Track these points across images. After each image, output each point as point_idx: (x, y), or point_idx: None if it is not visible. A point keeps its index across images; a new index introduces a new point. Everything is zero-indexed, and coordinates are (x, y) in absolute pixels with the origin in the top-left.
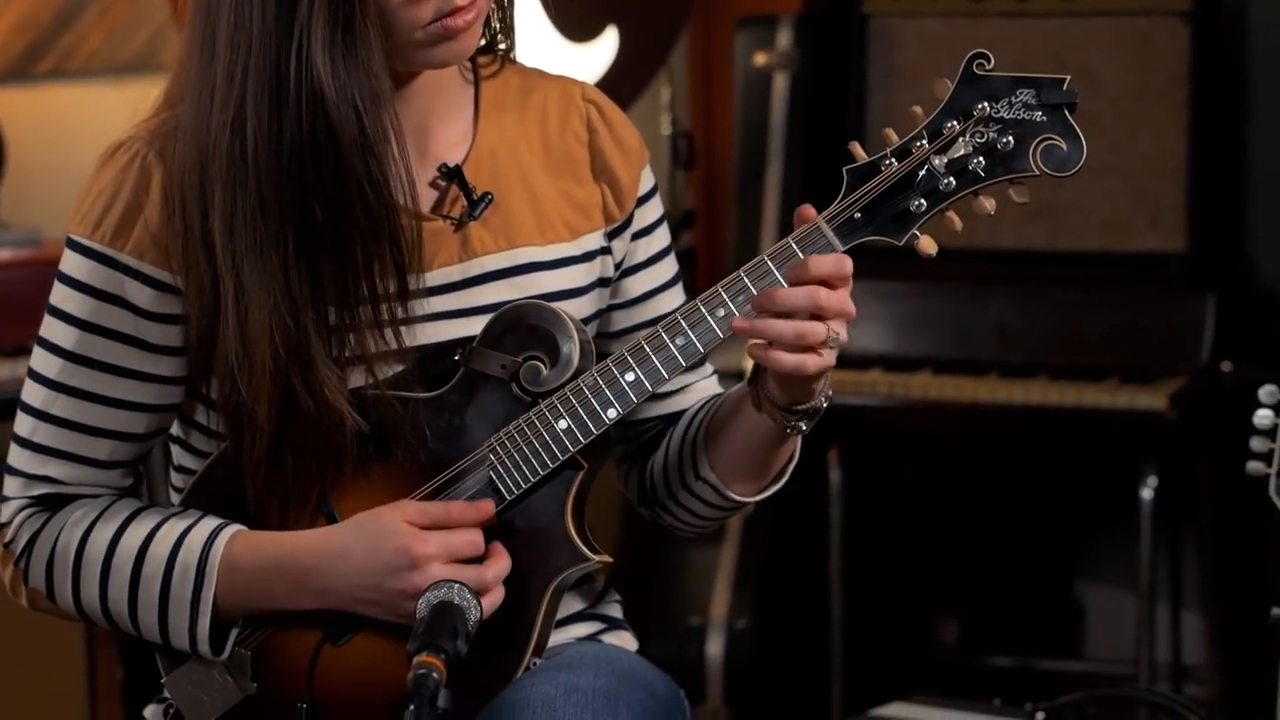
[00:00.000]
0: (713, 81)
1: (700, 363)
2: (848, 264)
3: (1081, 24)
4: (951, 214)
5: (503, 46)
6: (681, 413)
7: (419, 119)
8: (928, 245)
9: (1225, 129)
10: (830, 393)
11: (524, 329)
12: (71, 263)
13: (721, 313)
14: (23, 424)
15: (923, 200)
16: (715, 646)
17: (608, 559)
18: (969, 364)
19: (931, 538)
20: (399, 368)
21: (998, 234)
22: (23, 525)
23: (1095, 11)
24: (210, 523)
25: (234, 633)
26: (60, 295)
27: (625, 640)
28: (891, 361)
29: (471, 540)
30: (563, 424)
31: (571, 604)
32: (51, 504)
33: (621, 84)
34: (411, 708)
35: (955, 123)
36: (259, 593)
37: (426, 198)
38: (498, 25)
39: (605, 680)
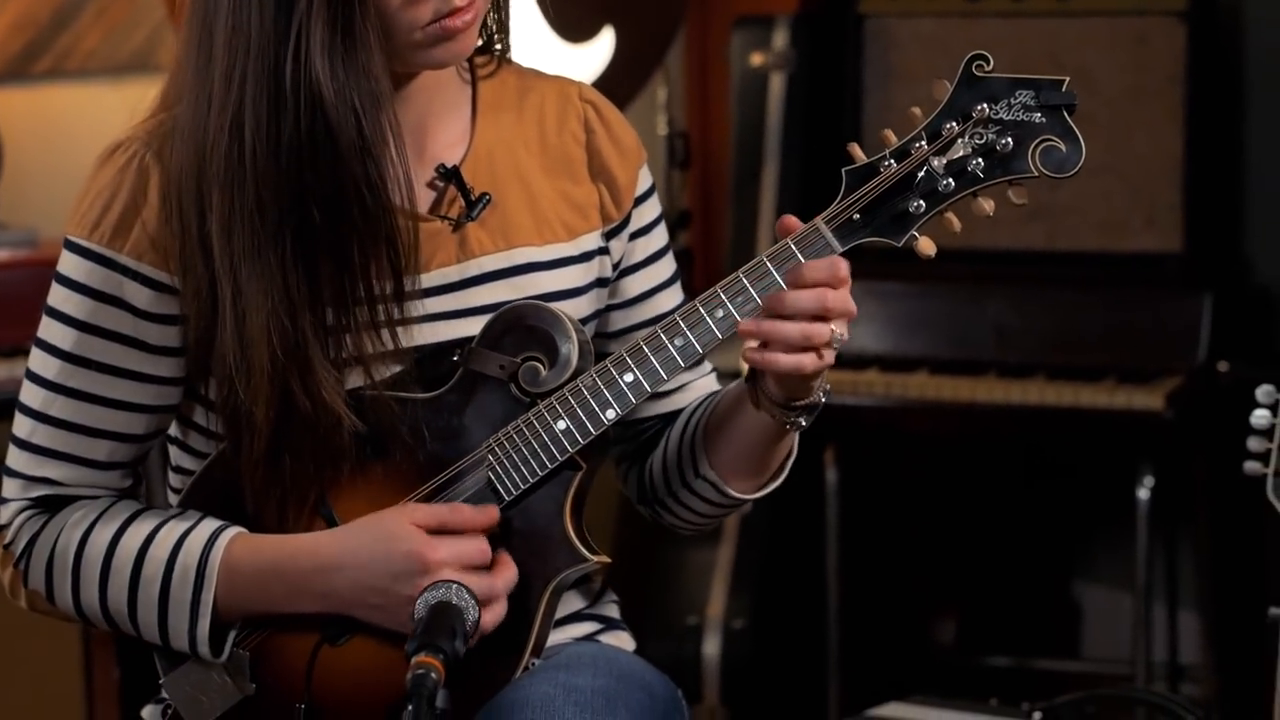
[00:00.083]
0: (709, 82)
1: (699, 362)
2: (844, 267)
3: (1077, 24)
4: (951, 215)
5: (499, 47)
6: (679, 411)
7: (417, 119)
8: (926, 246)
9: (1221, 129)
10: (828, 388)
11: (523, 329)
12: (69, 263)
13: (720, 314)
14: (21, 425)
15: (922, 201)
16: (712, 646)
17: (606, 559)
18: (966, 364)
19: (928, 538)
20: (397, 368)
21: (995, 234)
22: (22, 527)
23: (1091, 11)
24: (210, 525)
25: (232, 634)
26: (58, 296)
27: (623, 640)
28: (889, 361)
29: (481, 548)
30: (561, 424)
31: (569, 604)
32: (51, 505)
33: (618, 84)
34: (410, 708)
35: (954, 124)
36: (259, 595)
37: (424, 198)
38: (494, 25)
39: (604, 680)
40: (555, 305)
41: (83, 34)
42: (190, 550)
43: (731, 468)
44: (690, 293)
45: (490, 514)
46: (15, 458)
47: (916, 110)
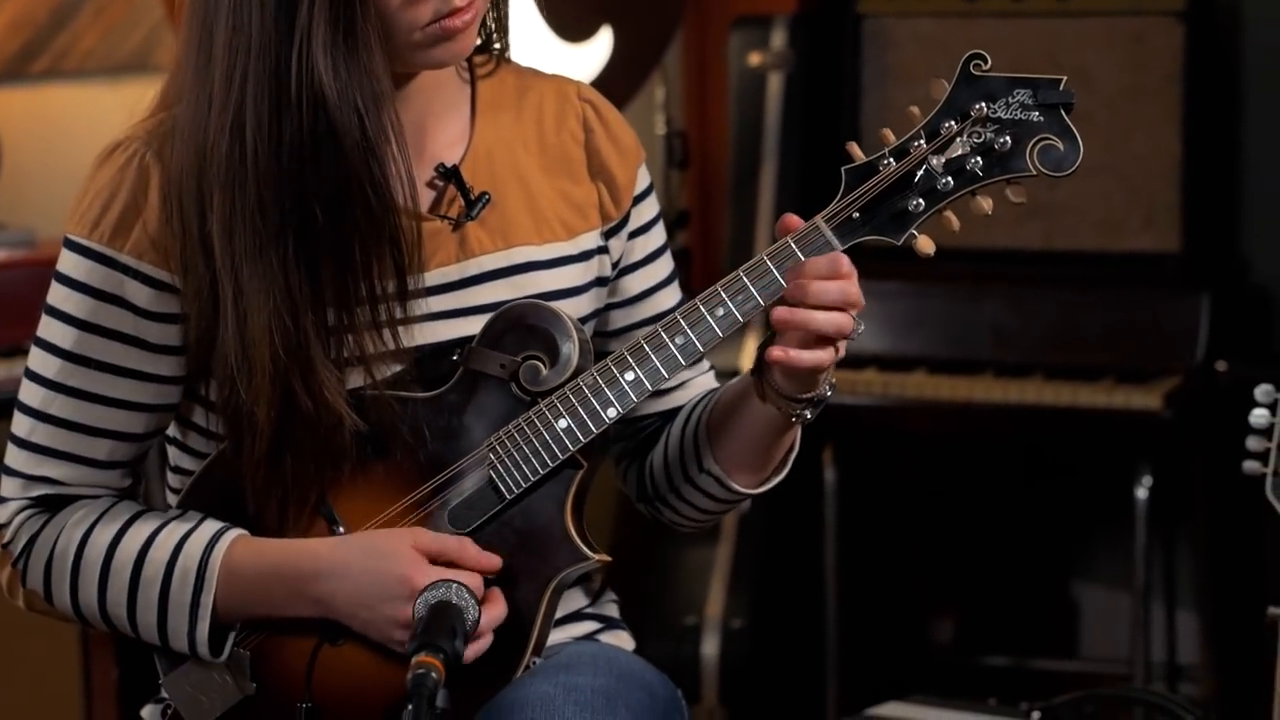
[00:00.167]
0: (707, 81)
1: (699, 359)
2: (846, 262)
3: (1075, 24)
4: (949, 214)
5: (498, 46)
6: (679, 409)
7: (416, 119)
8: (925, 245)
9: (1219, 128)
10: (834, 381)
11: (523, 329)
12: (70, 263)
13: (721, 312)
14: (21, 424)
15: (921, 200)
16: (711, 646)
17: (607, 558)
18: (964, 363)
19: (927, 537)
20: (397, 368)
21: (993, 234)
22: (21, 526)
23: (1089, 11)
24: (211, 527)
25: (232, 635)
26: (58, 295)
27: (622, 640)
28: (887, 361)
29: (471, 584)
30: (563, 423)
31: (569, 603)
32: (51, 505)
33: (616, 84)
34: (410, 707)
35: (953, 123)
36: (258, 597)
37: (424, 198)
38: (493, 25)
39: (604, 679)
40: (555, 304)
41: (80, 34)
42: (190, 552)
43: (735, 461)
44: (688, 292)
45: (493, 560)
46: (14, 457)
47: (915, 109)
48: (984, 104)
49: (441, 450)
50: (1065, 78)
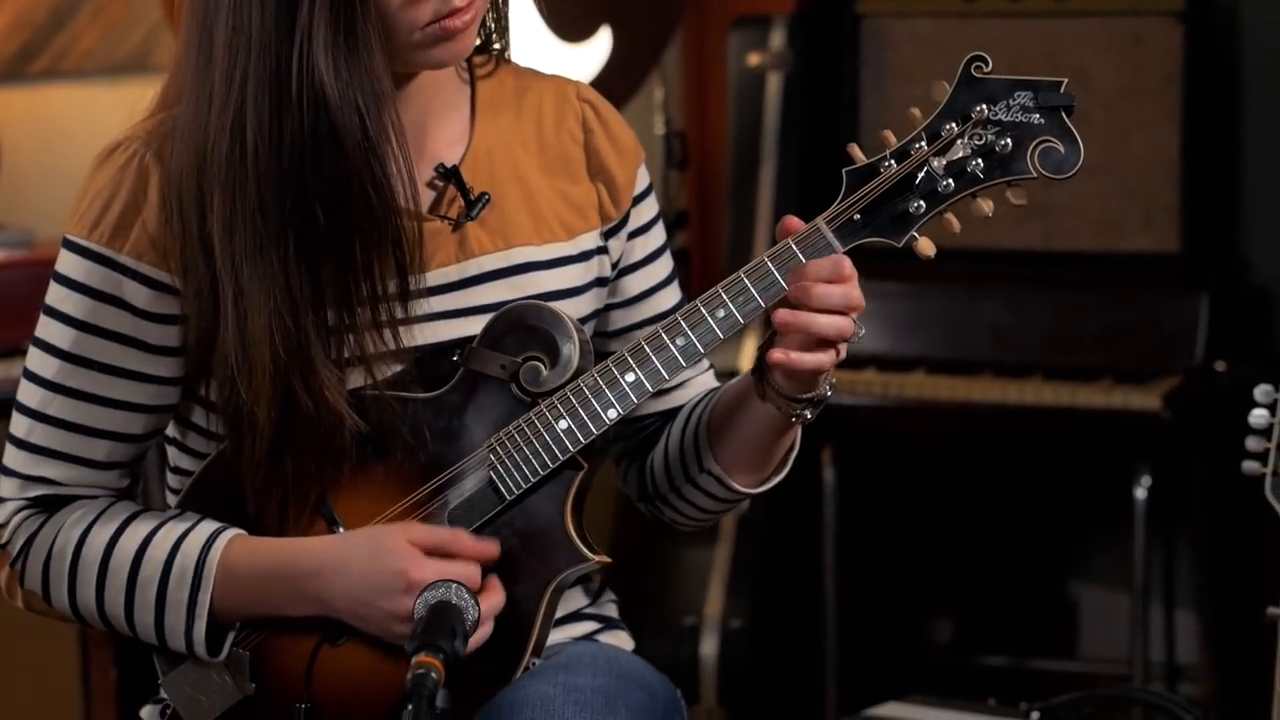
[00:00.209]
0: (706, 81)
1: (699, 360)
2: (848, 264)
3: (1074, 24)
4: (950, 216)
5: (497, 46)
6: (679, 408)
7: (416, 119)
8: (926, 247)
9: (1218, 128)
10: (834, 381)
11: (523, 329)
12: (68, 263)
13: (722, 314)
14: (19, 425)
15: (922, 202)
16: (710, 646)
17: (607, 559)
18: (963, 364)
19: (925, 537)
20: (398, 368)
21: (992, 234)
22: (19, 527)
23: (1087, 11)
24: (208, 526)
25: (231, 635)
26: (57, 295)
27: (622, 640)
28: (886, 361)
29: (469, 574)
30: (563, 424)
31: (568, 604)
32: (48, 505)
33: (615, 84)
34: (410, 708)
35: (954, 125)
36: (256, 597)
37: (424, 198)
38: (493, 25)
39: (604, 680)
40: (555, 305)
41: (79, 34)
42: (188, 552)
43: (736, 462)
44: (686, 293)
45: (490, 548)
46: (13, 457)
47: (916, 111)
48: (985, 106)
49: (442, 451)
50: (1066, 80)
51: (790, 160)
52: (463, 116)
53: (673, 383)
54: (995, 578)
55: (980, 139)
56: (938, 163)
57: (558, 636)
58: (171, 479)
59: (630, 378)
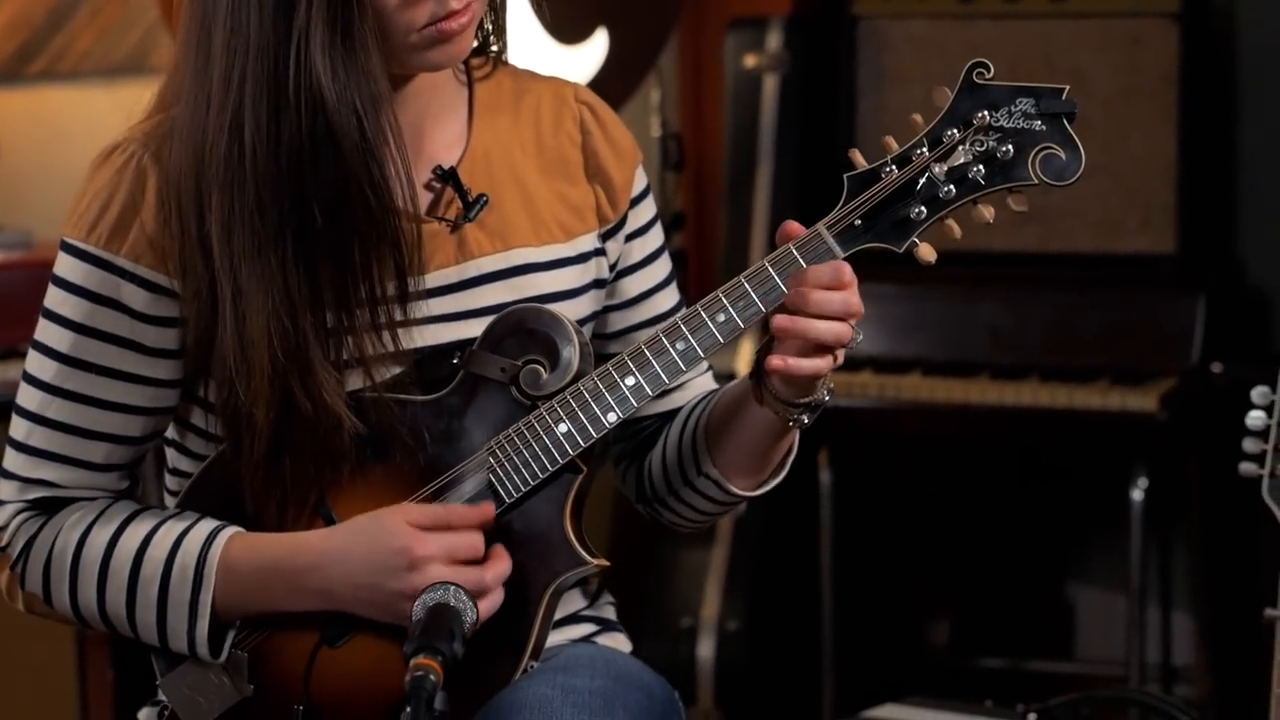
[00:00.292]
0: (703, 83)
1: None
2: (848, 270)
3: (1071, 25)
4: (951, 221)
5: (495, 48)
6: (678, 410)
7: (414, 121)
8: (927, 253)
9: (1215, 129)
10: (832, 386)
11: (524, 332)
12: (66, 265)
13: (722, 318)
14: (18, 427)
15: (923, 208)
16: (706, 648)
17: (606, 563)
18: (960, 366)
19: (922, 539)
20: (397, 370)
21: (989, 236)
22: (19, 529)
23: (1084, 13)
24: (208, 524)
25: (231, 634)
26: (55, 298)
27: (619, 642)
28: (882, 363)
29: (471, 543)
30: (563, 428)
31: (566, 606)
32: (48, 507)
33: (611, 86)
34: (409, 710)
35: (955, 131)
36: (257, 594)
37: (422, 200)
38: (490, 27)
39: (602, 681)
40: (554, 307)
41: (77, 35)
42: (188, 550)
43: (734, 465)
44: (684, 294)
45: (486, 511)
46: (12, 460)
47: (917, 117)
48: (986, 112)
49: (441, 453)
50: (1067, 87)
51: (787, 162)
52: (460, 118)
53: (672, 384)
54: (992, 579)
55: (982, 145)
56: (939, 169)
57: (556, 639)
58: (170, 480)
59: (630, 381)
